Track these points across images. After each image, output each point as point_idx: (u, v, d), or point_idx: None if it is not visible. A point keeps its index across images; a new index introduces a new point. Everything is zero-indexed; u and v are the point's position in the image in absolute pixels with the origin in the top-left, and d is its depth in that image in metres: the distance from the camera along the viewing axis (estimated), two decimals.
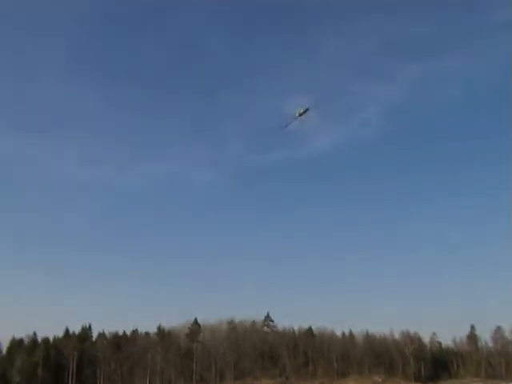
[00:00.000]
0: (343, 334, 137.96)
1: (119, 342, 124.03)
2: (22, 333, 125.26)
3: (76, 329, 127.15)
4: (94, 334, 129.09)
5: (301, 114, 31.31)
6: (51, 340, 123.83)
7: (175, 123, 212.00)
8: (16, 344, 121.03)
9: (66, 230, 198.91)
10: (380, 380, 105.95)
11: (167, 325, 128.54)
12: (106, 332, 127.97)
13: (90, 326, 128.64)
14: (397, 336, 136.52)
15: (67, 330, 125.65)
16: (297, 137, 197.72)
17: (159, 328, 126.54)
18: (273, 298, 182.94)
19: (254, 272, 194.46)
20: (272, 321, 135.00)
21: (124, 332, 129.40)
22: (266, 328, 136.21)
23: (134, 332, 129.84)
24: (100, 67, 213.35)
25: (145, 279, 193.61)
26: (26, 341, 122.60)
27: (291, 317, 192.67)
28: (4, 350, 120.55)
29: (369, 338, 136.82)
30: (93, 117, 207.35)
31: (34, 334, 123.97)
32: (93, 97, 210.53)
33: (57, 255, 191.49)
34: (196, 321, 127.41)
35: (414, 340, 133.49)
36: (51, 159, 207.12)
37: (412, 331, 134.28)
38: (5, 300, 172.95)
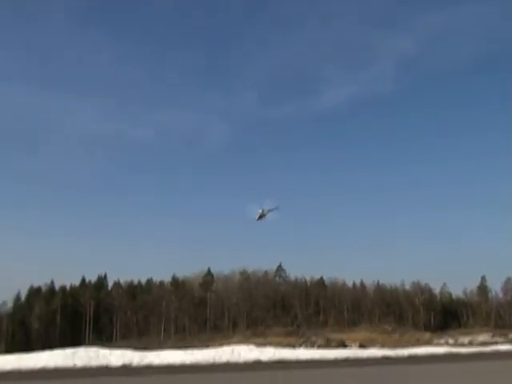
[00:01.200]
0: (354, 284, 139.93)
1: (134, 291, 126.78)
2: (40, 281, 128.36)
3: (92, 278, 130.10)
4: (110, 283, 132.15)
5: (262, 216, 28.91)
6: (68, 288, 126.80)
7: (188, 73, 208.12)
8: (34, 292, 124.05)
9: (79, 179, 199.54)
10: (390, 329, 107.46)
11: (181, 275, 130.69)
12: (121, 281, 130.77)
13: (105, 275, 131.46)
14: (407, 287, 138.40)
15: (83, 279, 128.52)
16: (311, 90, 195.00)
17: (173, 277, 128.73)
18: (285, 249, 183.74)
19: (266, 222, 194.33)
20: (284, 271, 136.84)
21: (139, 281, 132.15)
22: (277, 278, 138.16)
23: (149, 281, 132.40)
24: (110, 18, 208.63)
25: (158, 229, 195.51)
26: (44, 289, 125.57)
27: (303, 268, 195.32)
28: (23, 298, 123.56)
29: (379, 289, 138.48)
30: (105, 69, 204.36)
31: (52, 282, 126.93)
32: (105, 49, 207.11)
33: (72, 203, 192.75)
34: (209, 271, 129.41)
35: (424, 291, 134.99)
36: (64, 113, 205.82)
37: (423, 283, 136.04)
38: (22, 249, 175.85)
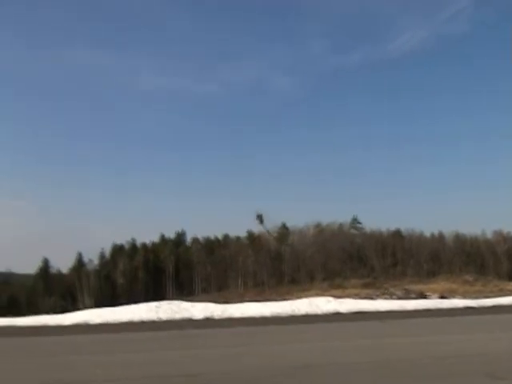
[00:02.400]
0: (432, 235, 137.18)
1: (212, 246, 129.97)
2: (123, 239, 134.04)
3: (171, 234, 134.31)
4: (188, 239, 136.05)
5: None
6: (149, 245, 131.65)
7: (251, 26, 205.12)
8: (118, 249, 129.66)
9: (146, 137, 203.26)
10: (471, 279, 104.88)
11: (256, 230, 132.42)
12: (199, 237, 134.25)
13: (183, 232, 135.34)
14: (489, 236, 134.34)
15: (163, 236, 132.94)
16: (381, 35, 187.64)
17: (249, 232, 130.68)
18: (359, 200, 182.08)
19: (339, 174, 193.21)
20: (359, 223, 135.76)
21: (216, 237, 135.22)
22: (353, 230, 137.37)
23: (226, 236, 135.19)
24: None
25: (231, 185, 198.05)
26: (127, 246, 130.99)
27: (378, 220, 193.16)
28: (108, 256, 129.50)
29: (459, 239, 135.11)
30: (167, 26, 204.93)
31: (133, 239, 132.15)
32: (166, 5, 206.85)
33: (143, 160, 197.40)
34: (284, 225, 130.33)
35: (506, 239, 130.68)
36: (128, 71, 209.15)
37: (505, 231, 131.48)
38: (104, 208, 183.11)
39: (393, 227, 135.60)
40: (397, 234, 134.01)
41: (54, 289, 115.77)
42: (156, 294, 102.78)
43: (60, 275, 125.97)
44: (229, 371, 9.76)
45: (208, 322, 21.39)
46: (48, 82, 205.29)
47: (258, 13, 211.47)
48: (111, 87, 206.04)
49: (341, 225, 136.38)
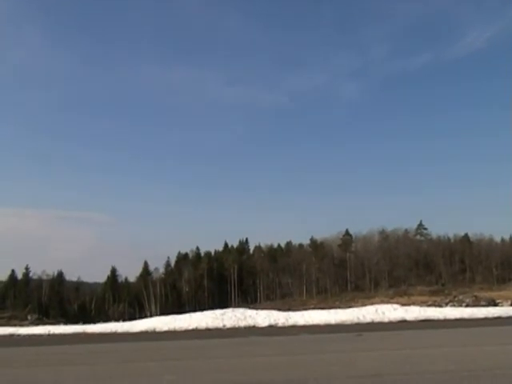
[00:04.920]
0: (502, 239, 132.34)
1: (274, 254, 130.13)
2: (187, 248, 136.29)
3: (234, 243, 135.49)
4: (251, 247, 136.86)
5: None
6: (213, 254, 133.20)
7: (315, 33, 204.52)
8: (182, 258, 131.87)
9: (211, 149, 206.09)
10: None
11: (319, 237, 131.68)
12: (262, 245, 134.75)
13: (246, 240, 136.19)
14: None
15: (226, 244, 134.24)
16: (445, 35, 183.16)
17: (312, 240, 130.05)
18: (425, 205, 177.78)
19: (405, 179, 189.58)
20: (425, 229, 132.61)
21: (278, 244, 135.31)
22: (419, 236, 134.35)
23: (288, 244, 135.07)
24: None
25: (295, 193, 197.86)
26: (191, 255, 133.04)
27: (445, 225, 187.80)
28: (173, 264, 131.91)
29: None
30: (234, 36, 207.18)
31: (197, 248, 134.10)
32: (233, 15, 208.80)
33: (206, 173, 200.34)
34: (347, 232, 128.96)
35: None
36: (197, 83, 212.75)
37: None
38: (169, 218, 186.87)
39: (461, 232, 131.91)
40: (465, 239, 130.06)
41: (121, 297, 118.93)
42: (220, 301, 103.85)
43: (127, 283, 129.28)
44: (295, 379, 9.67)
45: (272, 330, 21.35)
46: (122, 100, 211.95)
47: (322, 20, 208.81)
48: (181, 100, 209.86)
49: (406, 231, 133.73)
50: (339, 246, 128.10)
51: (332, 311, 25.98)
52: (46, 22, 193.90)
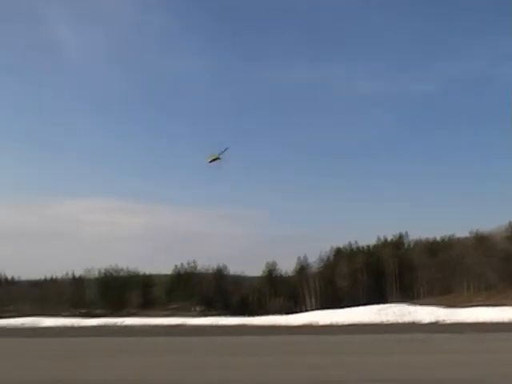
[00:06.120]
0: None
1: (435, 248, 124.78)
2: (342, 242, 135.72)
3: (391, 236, 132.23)
4: (409, 241, 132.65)
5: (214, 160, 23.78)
6: (369, 248, 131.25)
7: (465, 19, 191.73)
8: (338, 252, 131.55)
9: (362, 142, 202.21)
10: None
11: (482, 229, 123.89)
12: (421, 238, 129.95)
13: (405, 233, 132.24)
14: None
15: (383, 238, 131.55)
16: None
17: (475, 232, 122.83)
18: None
19: None
20: None
21: (439, 238, 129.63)
22: None
23: (450, 237, 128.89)
24: None
25: (453, 183, 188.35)
26: (346, 249, 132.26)
27: None
28: (329, 258, 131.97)
29: None
30: (376, 28, 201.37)
31: (354, 242, 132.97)
32: (381, 14, 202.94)
33: (355, 165, 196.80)
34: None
35: None
36: (342, 78, 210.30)
37: None
38: (325, 213, 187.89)
39: None
40: None
41: (279, 290, 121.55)
42: (377, 296, 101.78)
43: (284, 278, 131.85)
44: (478, 378, 9.10)
45: (435, 327, 20.50)
46: (270, 97, 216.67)
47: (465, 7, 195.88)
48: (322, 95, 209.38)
49: None
50: (507, 238, 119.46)
51: (497, 308, 24.39)
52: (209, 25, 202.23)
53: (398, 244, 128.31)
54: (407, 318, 22.55)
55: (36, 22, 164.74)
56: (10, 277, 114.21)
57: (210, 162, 24.80)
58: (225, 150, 25.15)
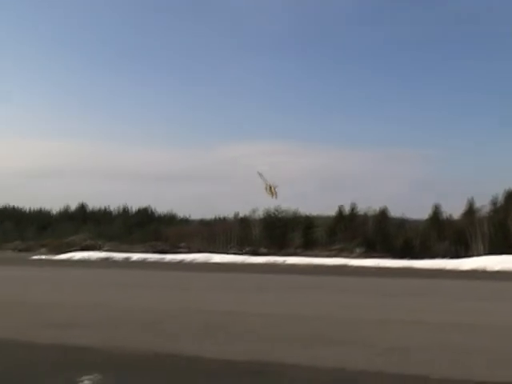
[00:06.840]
0: None
1: None
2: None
3: None
4: None
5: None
6: None
7: None
8: (509, 195, 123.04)
9: None
10: None
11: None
12: None
13: None
14: None
15: None
16: None
17: None
18: None
19: None
20: None
21: None
22: None
23: None
24: None
25: None
26: None
27: None
28: (501, 202, 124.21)
29: None
30: None
31: None
32: None
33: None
34: None
35: None
36: None
37: None
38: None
39: None
40: None
41: (445, 234, 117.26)
42: None
43: (451, 221, 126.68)
44: None
45: None
46: None
47: None
48: None
49: None
50: None
51: None
52: None
53: None
54: None
55: None
56: (182, 216, 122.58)
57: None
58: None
